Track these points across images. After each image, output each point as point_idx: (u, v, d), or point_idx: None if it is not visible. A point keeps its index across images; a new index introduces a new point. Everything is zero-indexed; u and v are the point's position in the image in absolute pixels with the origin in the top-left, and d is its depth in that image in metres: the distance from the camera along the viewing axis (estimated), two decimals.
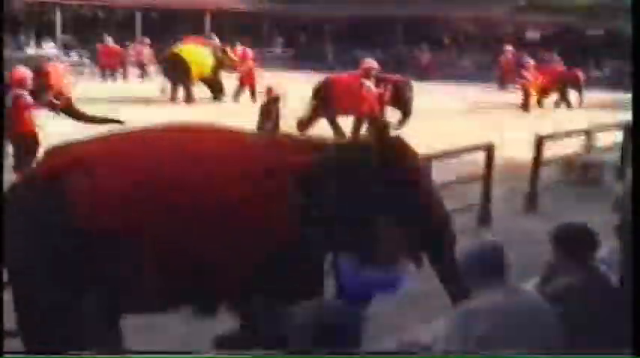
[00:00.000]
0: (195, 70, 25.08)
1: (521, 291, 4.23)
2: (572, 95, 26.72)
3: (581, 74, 27.51)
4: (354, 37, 47.79)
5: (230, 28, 44.49)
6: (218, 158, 5.23)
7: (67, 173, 4.94)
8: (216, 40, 28.24)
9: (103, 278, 4.93)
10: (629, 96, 6.15)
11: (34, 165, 5.12)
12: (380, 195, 5.30)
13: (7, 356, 2.60)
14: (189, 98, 24.94)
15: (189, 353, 2.95)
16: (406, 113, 17.75)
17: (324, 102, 17.14)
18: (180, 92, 25.01)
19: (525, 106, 25.42)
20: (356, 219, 5.25)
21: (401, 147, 5.62)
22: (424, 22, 48.57)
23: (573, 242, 4.67)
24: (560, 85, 26.65)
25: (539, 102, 25.76)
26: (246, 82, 25.89)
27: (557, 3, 41.95)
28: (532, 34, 45.31)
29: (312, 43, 49.15)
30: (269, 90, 13.77)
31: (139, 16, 43.26)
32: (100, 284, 4.95)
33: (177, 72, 24.88)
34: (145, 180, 4.97)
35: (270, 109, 13.53)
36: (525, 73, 25.91)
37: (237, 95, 25.78)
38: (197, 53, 25.69)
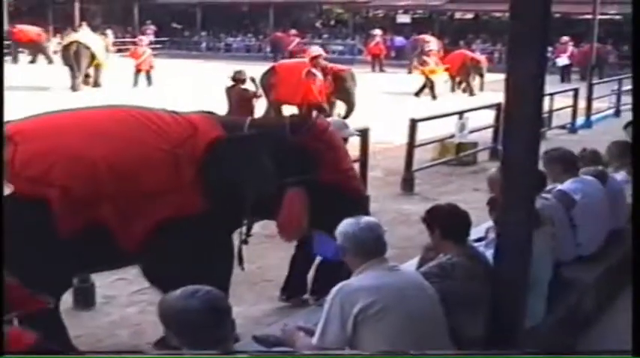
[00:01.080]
0: (98, 57, 24.97)
1: (399, 271, 4.25)
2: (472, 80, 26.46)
3: (483, 59, 27.46)
4: (226, 23, 47.64)
5: (100, 14, 43.77)
6: (127, 131, 5.34)
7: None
8: (87, 29, 27.72)
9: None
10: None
11: None
12: (284, 171, 5.38)
13: (6, 356, 2.54)
14: (96, 83, 25.07)
15: (189, 353, 2.91)
16: (350, 103, 17.40)
17: (266, 90, 16.08)
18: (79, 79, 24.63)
19: (429, 92, 24.67)
20: (262, 193, 5.34)
21: (314, 130, 5.64)
22: (295, 7, 48.95)
23: (446, 223, 4.73)
24: (466, 70, 26.31)
25: (431, 88, 24.74)
26: (143, 67, 26.06)
27: None
28: (403, 18, 45.95)
29: (184, 31, 48.70)
30: (237, 73, 13.22)
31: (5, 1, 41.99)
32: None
33: (81, 59, 24.44)
34: (56, 152, 5.10)
35: (237, 92, 13.01)
36: (426, 59, 25.52)
37: (136, 81, 25.84)
38: (94, 41, 25.57)
